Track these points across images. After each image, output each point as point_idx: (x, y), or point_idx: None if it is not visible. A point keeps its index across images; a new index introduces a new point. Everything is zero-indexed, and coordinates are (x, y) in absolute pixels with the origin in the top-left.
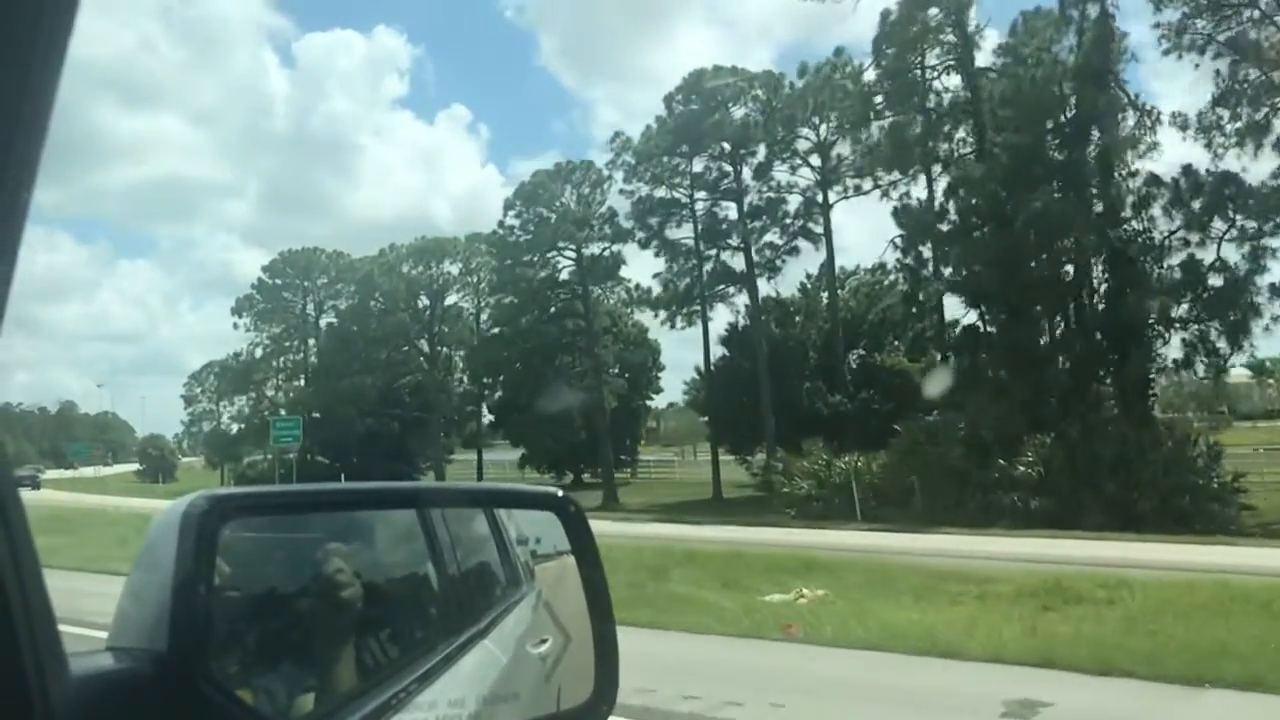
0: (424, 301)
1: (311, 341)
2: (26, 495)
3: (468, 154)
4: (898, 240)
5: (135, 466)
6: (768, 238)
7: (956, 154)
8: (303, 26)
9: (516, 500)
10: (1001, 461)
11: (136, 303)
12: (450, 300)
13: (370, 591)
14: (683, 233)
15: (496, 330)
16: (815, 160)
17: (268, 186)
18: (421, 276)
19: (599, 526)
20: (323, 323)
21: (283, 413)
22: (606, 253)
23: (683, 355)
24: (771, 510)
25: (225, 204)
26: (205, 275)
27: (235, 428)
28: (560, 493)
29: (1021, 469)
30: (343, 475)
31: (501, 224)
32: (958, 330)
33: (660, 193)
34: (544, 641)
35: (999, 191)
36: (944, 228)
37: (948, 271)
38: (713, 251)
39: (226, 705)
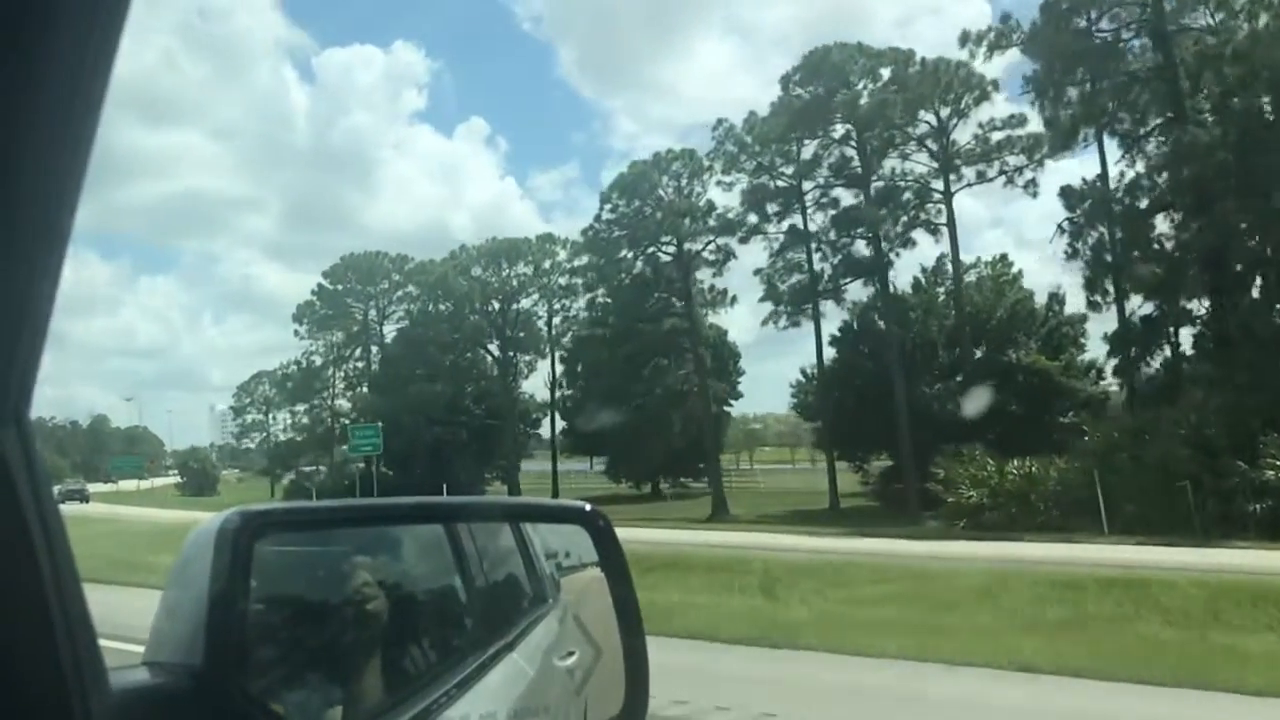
0: (495, 305)
1: (374, 348)
2: (79, 509)
3: (487, 166)
4: (1065, 224)
5: (167, 480)
6: (885, 228)
7: (1144, 124)
8: (322, 42)
9: (546, 514)
10: (1240, 464)
11: (159, 318)
12: (524, 303)
13: (399, 605)
14: (790, 224)
15: (587, 332)
16: (930, 145)
17: (289, 201)
18: (492, 279)
19: (741, 539)
20: (386, 329)
21: (347, 421)
22: (709, 247)
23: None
24: (903, 521)
25: (247, 219)
26: (227, 290)
27: (292, 438)
28: (588, 506)
29: (1271, 473)
30: (375, 490)
31: (598, 218)
32: (1134, 319)
33: (765, 179)
34: (571, 654)
35: (1228, 159)
36: (1139, 205)
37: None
38: (837, 241)
39: (263, 719)
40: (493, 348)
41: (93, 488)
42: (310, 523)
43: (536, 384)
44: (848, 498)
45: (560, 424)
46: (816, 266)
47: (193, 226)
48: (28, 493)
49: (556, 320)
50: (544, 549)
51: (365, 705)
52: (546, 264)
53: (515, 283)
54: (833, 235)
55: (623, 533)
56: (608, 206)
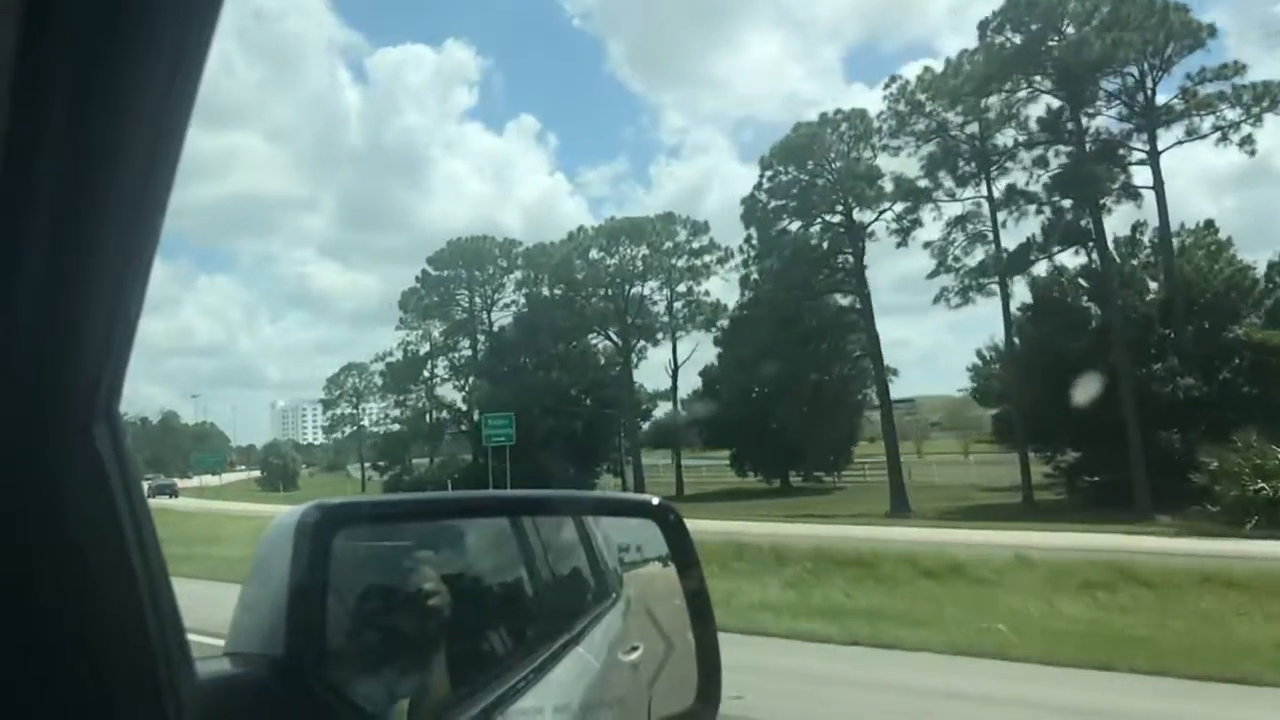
0: (613, 289)
1: (481, 336)
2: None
3: (537, 163)
4: None
5: (240, 475)
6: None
7: None
8: (375, 42)
9: (616, 508)
10: None
11: (218, 317)
12: (645, 287)
13: (469, 597)
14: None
15: (746, 312)
16: (1133, 98)
17: (343, 201)
18: (611, 262)
19: (962, 537)
20: (494, 316)
21: (447, 413)
22: (884, 215)
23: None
24: (1133, 518)
25: (302, 218)
26: (284, 289)
27: (392, 430)
28: (657, 500)
29: None
30: (494, 482)
31: (758, 187)
32: None
33: (946, 139)
34: (635, 649)
35: None
36: None
37: None
38: (1044, 204)
39: (342, 709)
40: (610, 334)
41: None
42: (386, 516)
43: (656, 371)
44: (1037, 491)
45: (682, 412)
46: (1011, 234)
47: (249, 227)
48: (119, 487)
49: (678, 304)
50: (605, 543)
51: (437, 696)
52: (667, 245)
53: (638, 264)
54: (1041, 198)
55: (805, 529)
56: (768, 174)
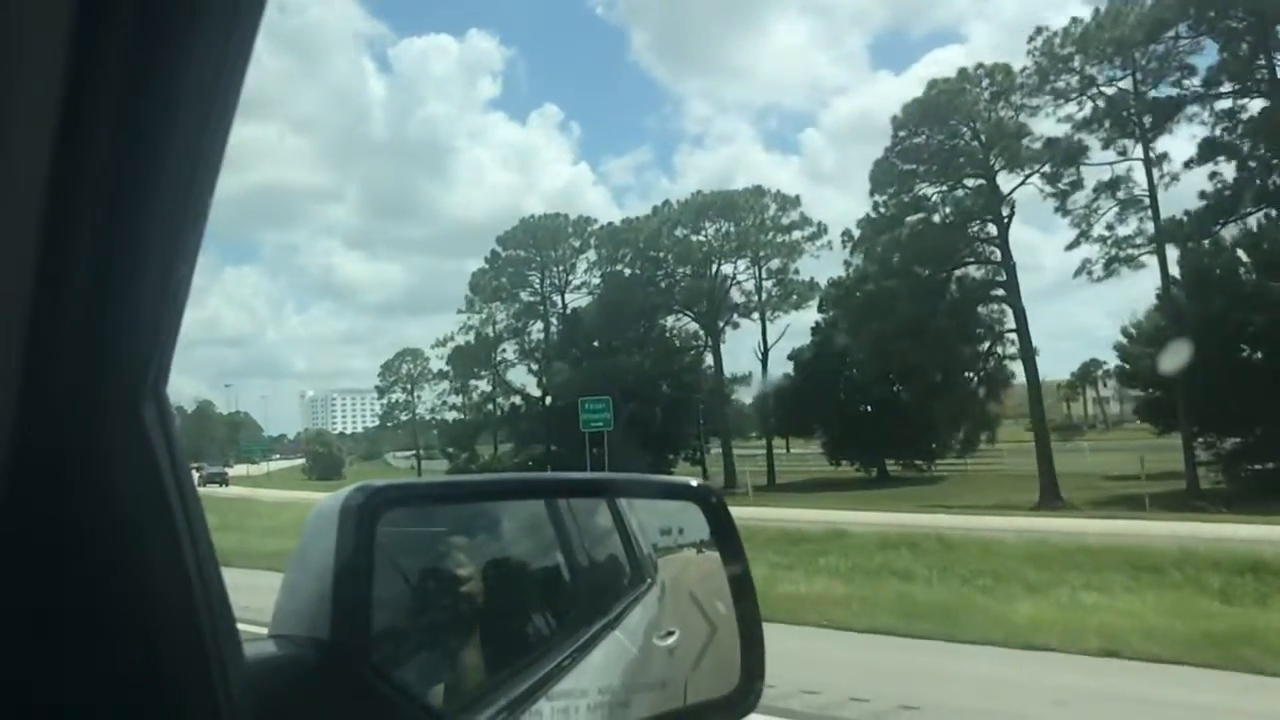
0: (694, 267)
1: (554, 319)
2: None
3: (560, 152)
4: None
5: (278, 464)
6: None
7: None
8: (399, 32)
9: (658, 490)
10: None
11: (244, 307)
12: (736, 265)
13: (508, 580)
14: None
15: (863, 287)
16: None
17: (367, 191)
18: (699, 238)
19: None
20: (567, 297)
21: (526, 393)
22: (1035, 177)
23: None
24: None
25: (326, 209)
26: (308, 280)
27: (460, 416)
28: (696, 482)
29: None
30: (547, 467)
31: (889, 150)
32: None
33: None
34: (670, 634)
35: None
36: None
37: None
38: (1252, 153)
39: (389, 692)
40: (694, 314)
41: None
42: (430, 498)
43: (739, 354)
44: (1161, 480)
45: (768, 398)
46: (1170, 200)
47: (274, 218)
48: (168, 467)
49: (768, 283)
50: (639, 527)
51: (476, 679)
52: (755, 220)
53: (726, 240)
54: (1241, 150)
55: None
56: (902, 133)
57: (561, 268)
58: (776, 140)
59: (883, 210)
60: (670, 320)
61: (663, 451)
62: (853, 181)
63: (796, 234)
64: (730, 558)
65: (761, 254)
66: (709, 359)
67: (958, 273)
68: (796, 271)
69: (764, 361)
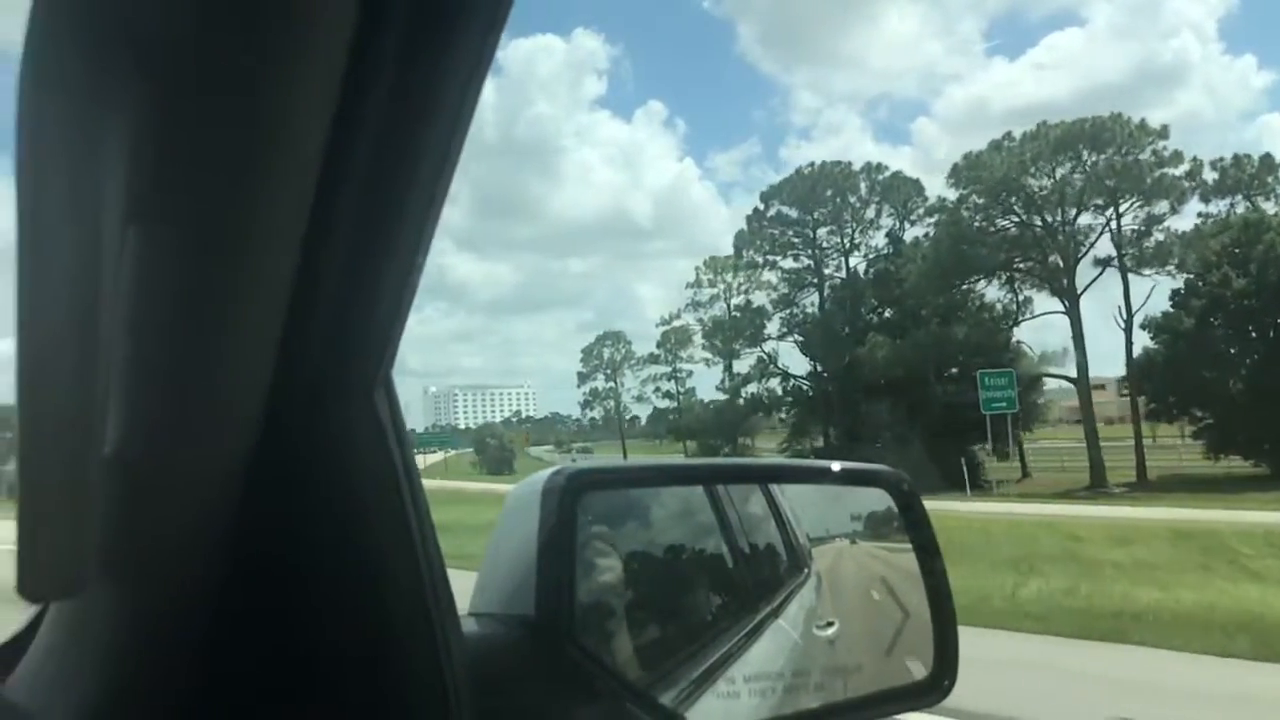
0: (1044, 214)
1: (828, 288)
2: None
3: (665, 149)
4: None
5: (427, 458)
6: None
7: None
8: (508, 33)
9: (849, 477)
10: None
11: None
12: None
13: (686, 565)
14: None
15: None
16: None
17: (478, 192)
18: (1041, 181)
19: None
20: (853, 261)
21: (786, 373)
22: None
23: None
24: None
25: (441, 211)
26: (423, 280)
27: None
28: (886, 468)
29: None
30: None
31: None
32: None
33: None
34: (830, 625)
35: None
36: None
37: None
38: None
39: (594, 669)
40: (1020, 273)
41: None
42: (629, 480)
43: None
44: None
45: (1134, 374)
46: None
47: None
48: (396, 449)
49: (1132, 232)
50: (793, 516)
51: (666, 657)
52: (1111, 155)
53: (1093, 180)
54: None
55: None
56: None
57: (850, 226)
58: (886, 131)
59: None
60: (983, 285)
61: (964, 443)
62: None
63: (1172, 170)
64: (923, 548)
65: (1129, 197)
66: (1017, 332)
67: None
68: (1164, 216)
69: (1127, 330)
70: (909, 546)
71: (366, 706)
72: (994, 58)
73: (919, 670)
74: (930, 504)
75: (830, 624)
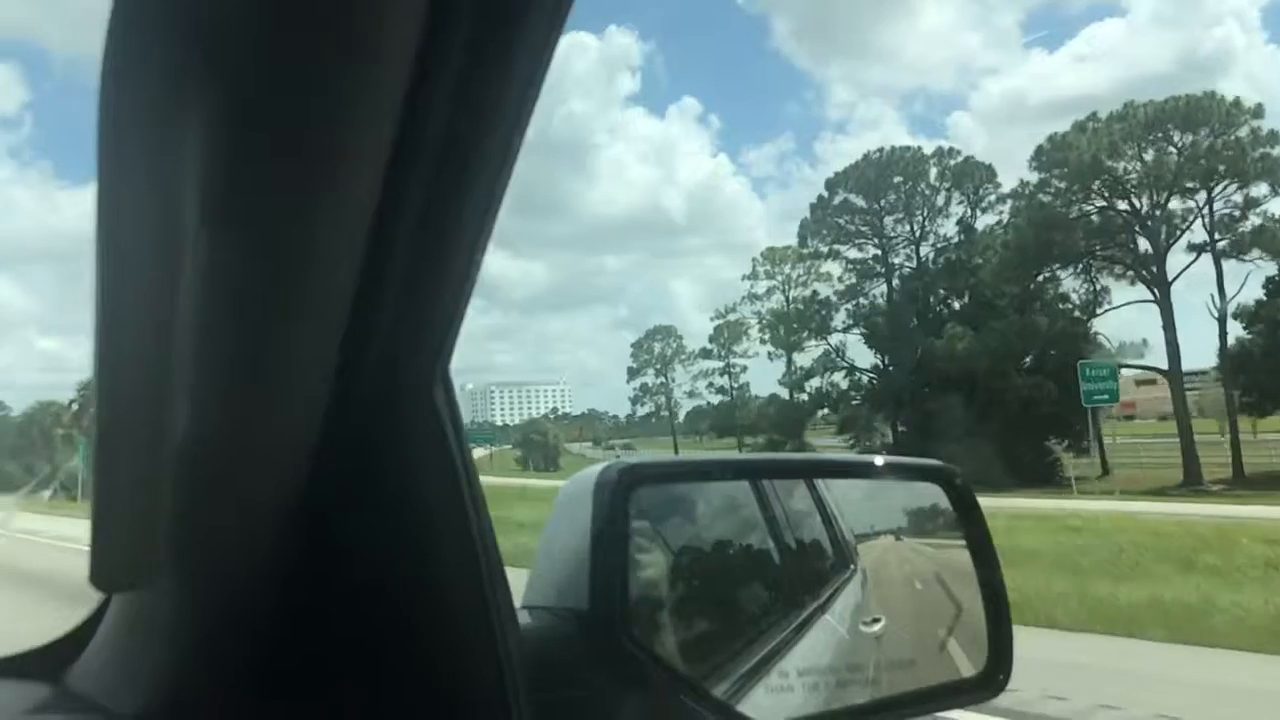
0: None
1: (907, 272)
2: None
3: (699, 145)
4: None
5: (484, 451)
6: None
7: None
8: None
9: (901, 471)
10: None
11: None
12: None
13: (738, 559)
14: None
15: None
16: None
17: (514, 190)
18: (1127, 166)
19: None
20: (923, 250)
21: (847, 366)
22: None
23: None
24: None
25: None
26: None
27: (716, 401)
28: (938, 462)
29: None
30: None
31: None
32: None
33: None
34: (876, 621)
35: None
36: None
37: None
38: None
39: (649, 663)
40: (1103, 260)
41: None
42: (682, 475)
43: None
44: None
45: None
46: None
47: None
48: (455, 444)
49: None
50: (838, 511)
51: (717, 651)
52: (1204, 138)
53: (1188, 162)
54: None
55: None
56: None
57: (924, 212)
58: (923, 124)
59: None
60: (1063, 274)
61: (1036, 439)
62: (1007, 163)
63: (1269, 151)
64: (976, 543)
65: (1226, 179)
66: (1094, 325)
67: None
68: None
69: (1221, 321)
70: (958, 542)
71: (428, 699)
72: (1032, 50)
73: (967, 667)
74: (1028, 502)
75: (877, 620)
